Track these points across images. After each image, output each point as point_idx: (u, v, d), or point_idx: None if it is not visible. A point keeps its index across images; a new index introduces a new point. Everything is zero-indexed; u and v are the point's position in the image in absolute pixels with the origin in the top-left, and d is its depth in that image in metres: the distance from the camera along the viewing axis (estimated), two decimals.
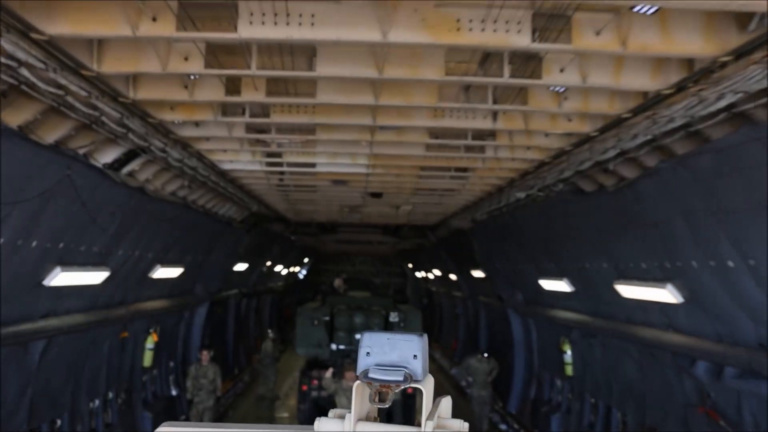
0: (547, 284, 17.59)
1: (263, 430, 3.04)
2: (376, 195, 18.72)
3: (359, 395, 2.33)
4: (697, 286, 10.36)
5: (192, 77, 8.49)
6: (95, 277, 12.45)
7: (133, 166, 11.51)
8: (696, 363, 11.28)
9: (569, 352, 17.69)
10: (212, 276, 21.86)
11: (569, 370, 17.83)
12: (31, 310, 10.77)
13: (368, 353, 2.32)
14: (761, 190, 7.53)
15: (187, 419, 18.63)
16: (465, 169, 14.74)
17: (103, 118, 8.68)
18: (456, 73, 7.78)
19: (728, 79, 6.80)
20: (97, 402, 14.56)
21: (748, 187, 7.84)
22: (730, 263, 9.07)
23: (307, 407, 19.38)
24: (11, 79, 6.78)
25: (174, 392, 19.72)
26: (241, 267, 25.94)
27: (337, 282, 25.31)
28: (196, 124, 10.97)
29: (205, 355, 18.40)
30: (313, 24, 6.63)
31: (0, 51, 6.24)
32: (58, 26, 6.48)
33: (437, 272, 36.29)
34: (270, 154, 13.74)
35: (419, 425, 2.27)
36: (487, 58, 7.63)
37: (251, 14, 6.52)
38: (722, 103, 6.95)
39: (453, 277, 31.54)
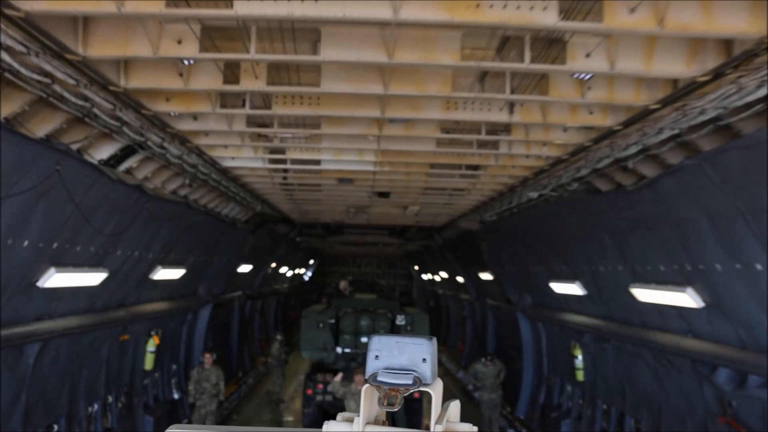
0: (558, 287, 17.43)
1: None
2: (384, 195, 18.39)
3: (368, 398, 2.30)
4: (720, 289, 10.06)
5: (186, 62, 7.93)
6: (92, 278, 12.17)
7: (131, 163, 11.13)
8: (717, 370, 10.95)
9: (580, 357, 17.53)
10: (216, 277, 21.72)
11: (580, 375, 17.65)
12: (23, 312, 10.47)
13: (377, 356, 2.29)
14: None
15: (190, 423, 18.33)
16: (476, 167, 14.32)
17: (95, 110, 8.19)
18: (473, 60, 7.22)
19: None
20: (96, 406, 14.36)
21: None
22: (759, 266, 8.74)
23: (312, 411, 19.18)
24: None
25: (176, 396, 19.58)
26: (245, 268, 25.83)
27: (343, 284, 25.11)
28: (195, 117, 10.49)
29: (208, 358, 18.21)
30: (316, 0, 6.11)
31: None
32: (34, 1, 5.97)
33: (444, 274, 36.23)
34: (273, 151, 13.31)
35: (426, 429, 2.26)
36: (505, 45, 7.09)
37: None
38: (762, 92, 6.33)
39: (460, 279, 31.50)
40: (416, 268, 47.85)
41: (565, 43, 7.03)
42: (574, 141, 10.94)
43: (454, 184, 16.46)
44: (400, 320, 20.23)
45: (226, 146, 12.81)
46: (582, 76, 8.00)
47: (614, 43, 7.05)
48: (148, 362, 16.94)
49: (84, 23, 6.98)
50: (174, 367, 19.72)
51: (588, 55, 7.09)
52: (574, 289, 16.15)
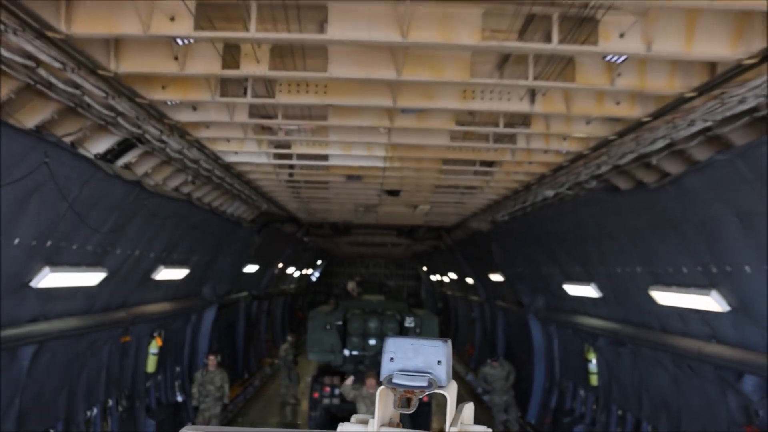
0: (573, 289, 17.17)
1: None
2: (393, 193, 18.02)
3: (383, 401, 2.34)
4: (748, 292, 9.64)
5: (181, 42, 7.39)
6: (90, 278, 11.82)
7: (130, 157, 10.69)
8: (743, 377, 10.53)
9: (594, 361, 17.18)
10: (221, 278, 21.42)
11: (594, 379, 17.32)
12: (17, 313, 10.06)
13: (392, 359, 2.32)
14: None
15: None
16: (491, 163, 13.82)
17: (87, 99, 7.69)
18: (494, 41, 6.62)
19: None
20: (95, 410, 14.03)
21: None
22: None
23: (319, 414, 18.91)
24: None
25: (179, 399, 19.31)
26: (251, 269, 25.62)
27: (351, 285, 24.83)
28: (194, 107, 9.99)
29: (212, 360, 17.91)
30: None
31: None
32: None
33: (453, 275, 36.01)
34: (278, 145, 12.82)
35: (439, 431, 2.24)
36: (529, 25, 6.54)
37: None
38: None
39: (469, 280, 31.24)
40: (425, 269, 47.76)
41: (597, 23, 6.43)
42: (597, 134, 10.40)
43: (466, 181, 15.98)
44: (409, 322, 19.99)
45: (228, 140, 12.33)
46: (614, 58, 7.32)
47: (652, 20, 6.45)
48: (151, 364, 16.64)
49: None
50: (177, 369, 19.42)
51: (622, 35, 6.50)
52: (589, 291, 15.84)
